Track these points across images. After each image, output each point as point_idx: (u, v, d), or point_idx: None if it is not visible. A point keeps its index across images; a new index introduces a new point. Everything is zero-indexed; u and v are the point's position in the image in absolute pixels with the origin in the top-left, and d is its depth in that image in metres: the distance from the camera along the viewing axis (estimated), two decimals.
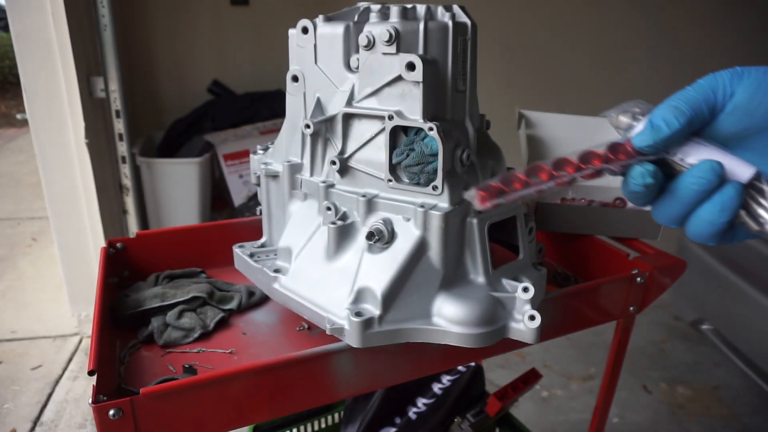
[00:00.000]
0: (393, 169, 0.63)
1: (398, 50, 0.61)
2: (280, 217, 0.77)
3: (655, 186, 0.45)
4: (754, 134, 0.43)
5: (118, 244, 0.86)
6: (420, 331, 0.60)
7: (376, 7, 0.66)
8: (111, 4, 1.93)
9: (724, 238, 0.44)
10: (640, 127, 0.45)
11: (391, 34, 0.61)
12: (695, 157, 0.44)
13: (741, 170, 0.42)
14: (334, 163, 0.67)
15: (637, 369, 2.09)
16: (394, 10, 0.64)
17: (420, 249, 0.61)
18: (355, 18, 0.68)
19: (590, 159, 0.45)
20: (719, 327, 1.74)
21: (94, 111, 2.05)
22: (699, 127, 0.44)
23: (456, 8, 0.65)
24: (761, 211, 0.42)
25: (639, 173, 0.44)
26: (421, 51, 0.63)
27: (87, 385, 1.95)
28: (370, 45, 0.63)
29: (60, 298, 2.39)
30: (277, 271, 0.71)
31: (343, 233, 0.65)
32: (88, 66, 2.00)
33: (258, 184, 0.79)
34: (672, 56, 3.03)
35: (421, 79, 0.59)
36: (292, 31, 0.71)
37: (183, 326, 0.73)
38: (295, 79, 0.71)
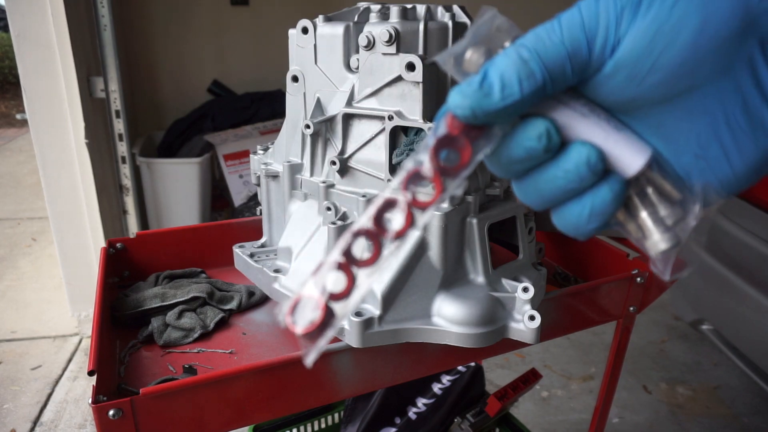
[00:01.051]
0: (393, 169, 0.63)
1: (398, 50, 0.61)
2: (280, 217, 0.77)
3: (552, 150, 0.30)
4: (645, 107, 0.29)
5: (118, 244, 0.86)
6: (420, 331, 0.60)
7: (376, 7, 0.67)
8: (111, 4, 1.93)
9: (599, 233, 0.33)
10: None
11: (391, 35, 0.61)
12: (569, 128, 0.30)
13: (629, 157, 0.29)
14: (334, 163, 0.67)
15: (637, 369, 2.09)
16: (394, 11, 0.64)
17: (420, 249, 0.61)
18: (355, 18, 0.68)
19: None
20: (719, 327, 1.74)
21: (94, 111, 2.05)
22: (558, 90, 0.29)
23: (456, 8, 0.65)
24: (644, 217, 0.30)
25: (536, 131, 0.29)
26: (421, 51, 0.63)
27: (87, 385, 1.94)
28: (370, 45, 0.63)
29: (60, 298, 2.39)
30: (277, 271, 0.71)
31: (343, 233, 0.65)
32: (88, 66, 2.00)
33: (258, 184, 0.79)
34: None
35: (420, 80, 0.59)
36: (292, 32, 0.71)
37: (183, 326, 0.73)
38: (295, 79, 0.71)
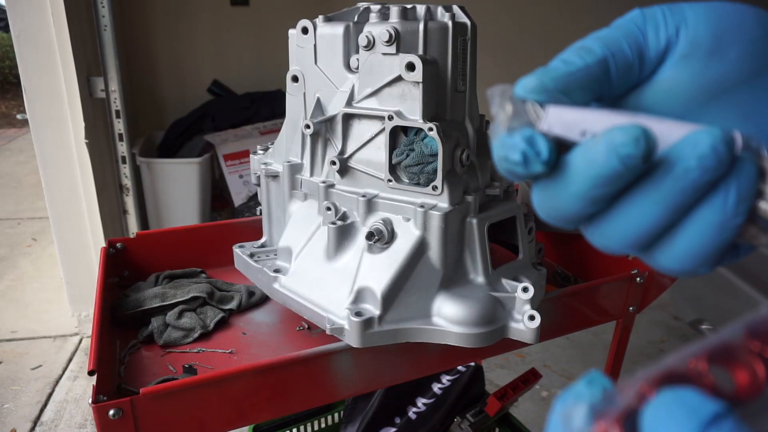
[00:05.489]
0: (393, 169, 0.63)
1: (398, 50, 0.61)
2: (280, 217, 0.77)
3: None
4: (728, 92, 0.26)
5: (119, 244, 0.86)
6: (420, 331, 0.60)
7: (376, 7, 0.67)
8: (111, 4, 1.93)
9: (723, 257, 0.27)
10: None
11: (390, 35, 0.61)
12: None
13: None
14: (334, 163, 0.67)
15: (637, 369, 2.09)
16: (394, 11, 0.64)
17: (420, 249, 0.61)
18: (355, 18, 0.68)
19: None
20: (719, 327, 1.74)
21: (95, 111, 2.05)
22: (623, 84, 0.28)
23: (456, 8, 0.66)
24: (764, 206, 0.24)
25: (631, 134, 0.23)
26: (420, 51, 0.63)
27: (87, 385, 1.94)
28: (370, 45, 0.63)
29: (60, 298, 2.39)
30: (277, 271, 0.71)
31: (343, 233, 0.65)
32: (88, 66, 2.00)
33: (258, 185, 0.80)
34: None
35: (420, 80, 0.59)
36: (292, 32, 0.71)
37: (183, 326, 0.73)
38: (295, 79, 0.71)
